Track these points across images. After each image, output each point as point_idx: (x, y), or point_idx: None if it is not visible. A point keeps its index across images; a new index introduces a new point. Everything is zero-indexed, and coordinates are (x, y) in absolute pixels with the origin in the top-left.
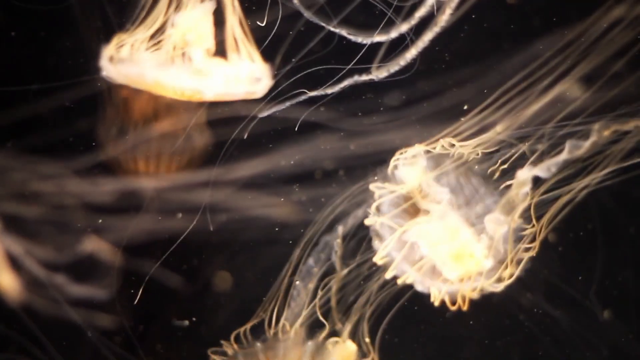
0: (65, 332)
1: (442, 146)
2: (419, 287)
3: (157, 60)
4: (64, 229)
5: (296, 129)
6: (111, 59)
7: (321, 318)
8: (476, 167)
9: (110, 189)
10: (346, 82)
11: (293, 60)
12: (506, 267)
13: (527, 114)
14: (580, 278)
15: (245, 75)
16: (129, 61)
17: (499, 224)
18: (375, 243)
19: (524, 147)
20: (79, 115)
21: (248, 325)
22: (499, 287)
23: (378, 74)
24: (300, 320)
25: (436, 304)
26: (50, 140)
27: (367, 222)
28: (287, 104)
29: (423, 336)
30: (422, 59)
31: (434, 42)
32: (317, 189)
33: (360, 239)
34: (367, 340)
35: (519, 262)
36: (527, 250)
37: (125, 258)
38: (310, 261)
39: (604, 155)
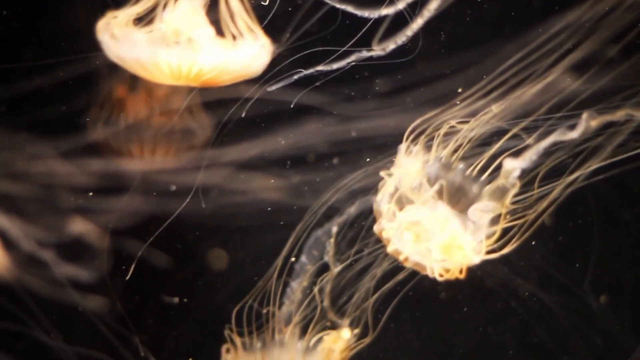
0: (58, 310)
1: (438, 133)
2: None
3: (151, 39)
4: (52, 210)
5: (292, 105)
6: (107, 36)
7: (316, 317)
8: (464, 155)
9: (101, 170)
10: (347, 60)
11: (289, 41)
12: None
13: (520, 101)
14: (575, 266)
15: (245, 51)
16: (124, 39)
17: (486, 212)
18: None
19: (512, 135)
20: (73, 93)
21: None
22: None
23: (380, 50)
24: (295, 320)
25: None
26: (42, 119)
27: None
28: (282, 83)
29: (418, 322)
30: (422, 42)
31: (434, 26)
32: (311, 172)
33: (358, 229)
34: (359, 328)
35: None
36: (513, 237)
37: (117, 239)
38: (304, 258)
39: (598, 145)
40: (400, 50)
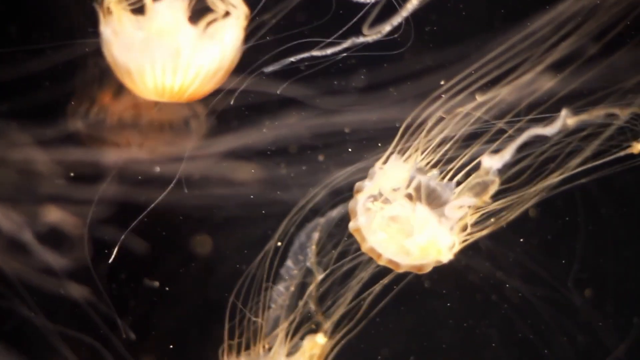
0: (41, 294)
1: (419, 131)
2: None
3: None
4: (30, 198)
5: (278, 92)
6: (109, 30)
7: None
8: (444, 154)
9: (82, 159)
10: (340, 47)
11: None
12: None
13: (503, 97)
14: (559, 262)
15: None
16: (122, 38)
17: (464, 209)
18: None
19: (492, 133)
20: (57, 80)
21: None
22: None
23: (370, 35)
24: (280, 326)
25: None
26: (23, 105)
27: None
28: (277, 66)
29: (402, 317)
30: (413, 35)
31: (422, 17)
32: (294, 163)
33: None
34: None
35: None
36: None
37: (100, 228)
38: (290, 263)
39: (579, 143)
40: (390, 43)
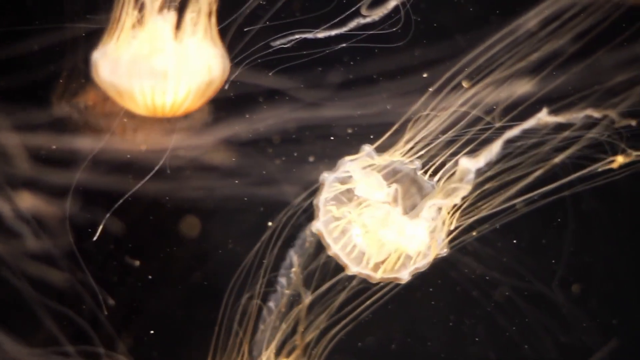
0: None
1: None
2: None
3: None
4: (6, 183)
5: (271, 74)
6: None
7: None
8: (421, 154)
9: (65, 144)
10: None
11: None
12: (437, 249)
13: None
14: (544, 260)
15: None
16: (110, 60)
17: (440, 209)
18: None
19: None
20: (42, 64)
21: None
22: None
23: (369, 16)
24: (270, 347)
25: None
26: (9, 86)
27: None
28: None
29: (390, 316)
30: (409, 29)
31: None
32: (278, 155)
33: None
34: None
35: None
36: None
37: (83, 213)
38: (283, 281)
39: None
40: (388, 35)
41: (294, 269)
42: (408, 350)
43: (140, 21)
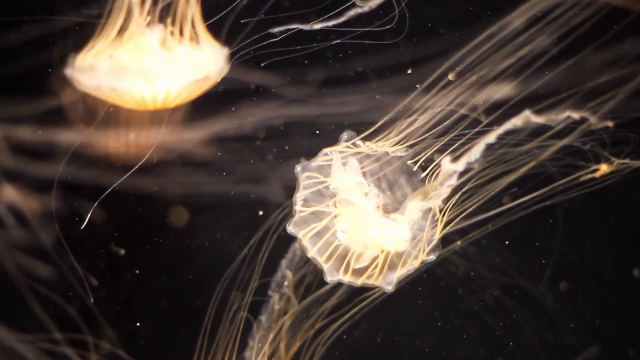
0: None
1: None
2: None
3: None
4: None
5: (266, 62)
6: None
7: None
8: (403, 153)
9: (51, 137)
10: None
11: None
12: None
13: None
14: (533, 259)
15: (202, 60)
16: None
17: (423, 209)
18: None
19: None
20: (34, 55)
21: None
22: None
23: (364, 5)
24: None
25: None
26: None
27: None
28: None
29: (377, 315)
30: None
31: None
32: (265, 151)
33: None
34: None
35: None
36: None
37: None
38: (275, 296)
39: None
40: (383, 32)
41: (286, 283)
42: (395, 348)
43: (127, 31)
